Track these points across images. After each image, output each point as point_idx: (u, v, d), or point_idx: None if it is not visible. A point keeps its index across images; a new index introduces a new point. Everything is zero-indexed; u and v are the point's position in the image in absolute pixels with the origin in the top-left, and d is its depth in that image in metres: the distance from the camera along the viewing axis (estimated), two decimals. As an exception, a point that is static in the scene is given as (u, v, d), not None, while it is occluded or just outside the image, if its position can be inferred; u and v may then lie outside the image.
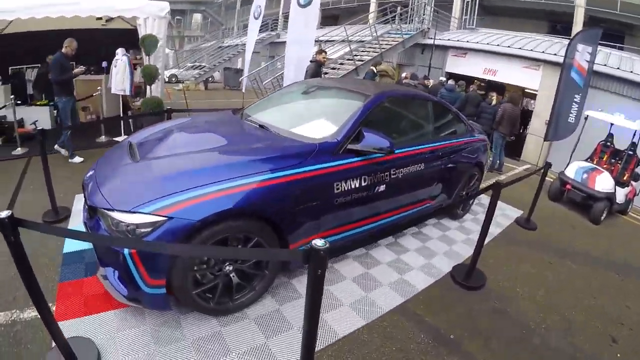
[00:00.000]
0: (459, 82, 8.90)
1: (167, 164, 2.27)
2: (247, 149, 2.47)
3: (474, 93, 8.61)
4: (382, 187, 2.89)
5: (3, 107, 6.55)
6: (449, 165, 3.70)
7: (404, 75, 8.56)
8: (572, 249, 4.10)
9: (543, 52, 9.07)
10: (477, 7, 12.36)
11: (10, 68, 8.65)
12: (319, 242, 1.37)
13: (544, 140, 7.65)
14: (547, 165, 4.44)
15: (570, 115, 7.13)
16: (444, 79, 8.41)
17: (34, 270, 1.56)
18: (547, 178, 4.56)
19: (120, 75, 6.72)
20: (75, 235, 1.97)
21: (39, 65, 8.71)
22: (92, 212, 2.12)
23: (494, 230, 4.13)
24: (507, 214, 4.76)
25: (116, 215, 1.92)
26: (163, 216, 1.89)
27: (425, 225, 4.01)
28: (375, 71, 7.95)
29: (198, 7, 34.05)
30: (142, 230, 1.88)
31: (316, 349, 1.85)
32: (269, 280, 2.47)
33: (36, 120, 7.19)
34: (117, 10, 6.38)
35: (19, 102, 7.64)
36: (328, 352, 2.17)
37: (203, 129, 3.12)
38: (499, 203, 4.90)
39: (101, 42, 7.82)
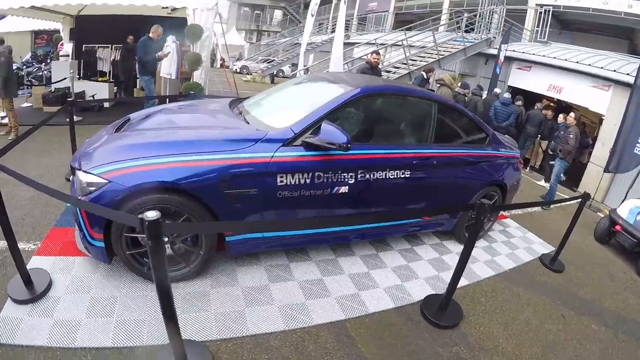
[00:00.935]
0: (516, 97, 7.97)
1: (131, 137, 2.51)
2: (198, 131, 2.54)
3: (536, 111, 7.66)
4: (344, 189, 2.61)
5: (64, 79, 7.19)
6: (451, 179, 3.19)
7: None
8: (598, 305, 3.29)
9: (615, 71, 7.70)
10: (549, 19, 10.94)
11: (83, 46, 9.50)
12: (150, 214, 1.40)
13: (604, 172, 6.49)
14: (585, 197, 3.65)
15: (638, 145, 5.94)
16: (499, 90, 7.56)
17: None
18: (599, 214, 3.77)
19: (168, 60, 7.06)
20: (47, 190, 1.92)
21: (108, 45, 9.48)
22: (72, 171, 2.40)
23: (506, 264, 3.54)
24: (532, 248, 4.06)
25: (79, 173, 2.21)
26: (105, 179, 2.12)
27: (421, 244, 3.53)
28: (425, 76, 7.41)
29: (278, 3, 35.08)
30: (90, 188, 2.14)
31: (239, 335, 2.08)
32: (204, 260, 2.44)
33: (95, 94, 7.81)
34: (169, 0, 6.61)
35: (78, 77, 8.44)
36: (228, 345, 2.04)
37: (185, 111, 3.20)
38: (529, 234, 4.34)
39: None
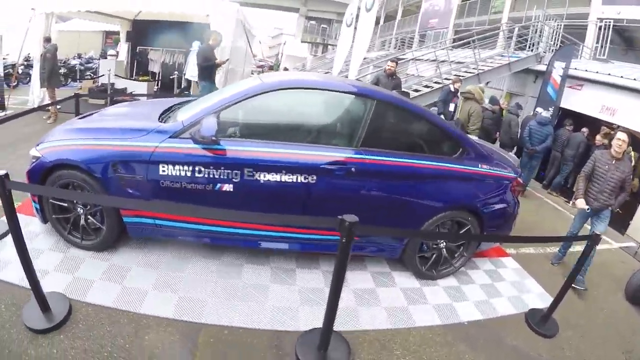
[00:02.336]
0: (565, 120, 6.82)
1: (75, 123, 2.99)
2: (117, 122, 2.87)
3: (579, 134, 6.55)
4: (228, 188, 2.46)
5: (101, 75, 7.77)
6: (385, 193, 2.61)
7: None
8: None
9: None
10: (609, 34, 9.27)
11: (138, 47, 10.21)
12: None
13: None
14: (594, 238, 2.76)
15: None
16: (540, 110, 6.48)
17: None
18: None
19: (192, 64, 7.32)
20: None
21: (159, 49, 10.07)
22: None
23: (468, 314, 2.81)
24: (522, 299, 3.21)
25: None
26: (39, 154, 2.57)
27: (368, 271, 2.97)
28: (452, 88, 6.69)
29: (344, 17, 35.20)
30: (32, 160, 2.61)
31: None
32: (107, 235, 2.69)
33: (133, 91, 8.34)
34: (194, 8, 6.91)
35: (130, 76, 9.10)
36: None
37: (136, 106, 3.69)
38: (528, 280, 3.52)
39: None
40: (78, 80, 9.82)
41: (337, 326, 2.22)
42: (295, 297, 2.62)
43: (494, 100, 6.91)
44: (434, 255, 2.97)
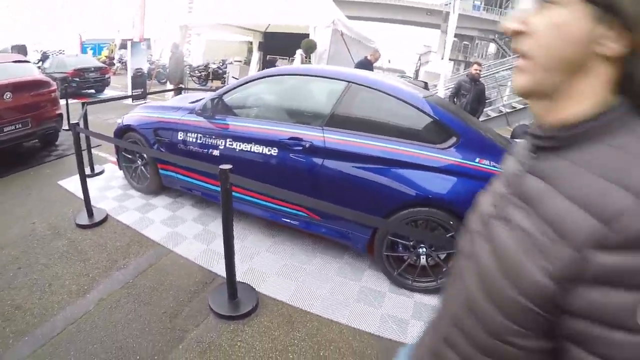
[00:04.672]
0: None
1: (153, 103, 4.06)
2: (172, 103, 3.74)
3: None
4: (216, 153, 2.91)
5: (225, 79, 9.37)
6: (344, 174, 2.48)
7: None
8: None
9: None
10: None
11: (267, 56, 11.72)
12: None
13: None
14: None
15: None
16: None
17: None
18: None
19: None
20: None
21: (286, 58, 11.33)
22: None
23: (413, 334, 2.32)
24: None
25: None
26: (120, 121, 3.72)
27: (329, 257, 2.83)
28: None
29: (487, 35, 32.22)
30: (118, 124, 3.72)
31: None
32: (150, 182, 3.58)
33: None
34: (291, 18, 7.67)
35: (234, 77, 10.66)
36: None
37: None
38: None
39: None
40: (210, 80, 12.23)
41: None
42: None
43: None
44: (408, 259, 2.54)
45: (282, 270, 2.65)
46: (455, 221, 2.30)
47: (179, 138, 3.09)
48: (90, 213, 3.10)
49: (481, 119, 7.57)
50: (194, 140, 3.01)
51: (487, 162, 2.30)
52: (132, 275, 2.46)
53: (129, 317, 2.10)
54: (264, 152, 2.69)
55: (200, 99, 3.24)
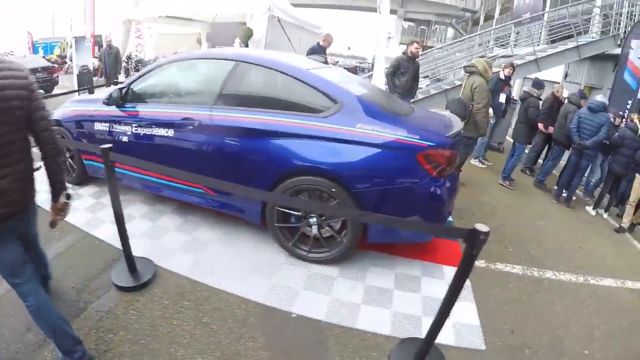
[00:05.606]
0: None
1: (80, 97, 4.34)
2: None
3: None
4: (124, 138, 2.92)
5: None
6: (231, 149, 2.56)
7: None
8: None
9: None
10: None
11: (216, 46, 11.46)
12: None
13: None
14: (473, 234, 2.15)
15: None
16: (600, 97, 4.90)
17: None
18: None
19: None
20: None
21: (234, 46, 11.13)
22: None
23: (318, 308, 2.23)
24: (421, 321, 2.18)
25: None
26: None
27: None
28: (501, 76, 5.55)
29: (444, 19, 32.74)
30: None
31: None
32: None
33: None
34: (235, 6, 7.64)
35: None
36: None
37: None
38: (462, 302, 2.32)
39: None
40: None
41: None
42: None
43: (537, 84, 5.50)
44: (300, 230, 2.56)
45: (185, 246, 2.70)
46: (337, 188, 2.31)
47: (95, 128, 3.10)
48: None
49: (421, 96, 7.79)
50: (106, 129, 3.03)
51: (369, 127, 2.34)
52: (51, 257, 2.35)
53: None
54: (162, 134, 2.74)
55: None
